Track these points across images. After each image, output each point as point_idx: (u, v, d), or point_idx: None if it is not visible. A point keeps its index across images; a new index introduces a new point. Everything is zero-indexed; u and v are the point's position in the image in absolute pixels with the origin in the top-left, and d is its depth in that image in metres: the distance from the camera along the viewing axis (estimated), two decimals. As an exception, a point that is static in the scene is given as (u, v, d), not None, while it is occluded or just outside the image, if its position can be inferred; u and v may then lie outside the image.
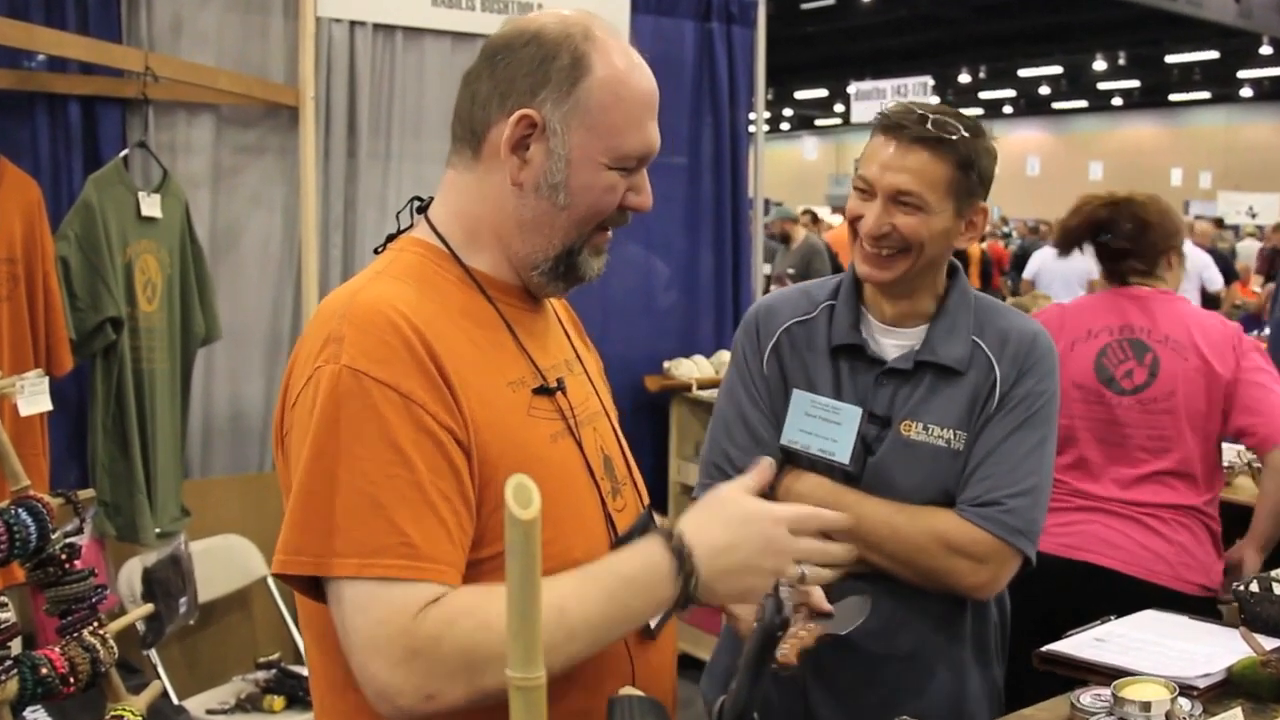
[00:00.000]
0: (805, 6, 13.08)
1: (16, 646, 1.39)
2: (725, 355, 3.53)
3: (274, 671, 2.55)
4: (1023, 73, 20.55)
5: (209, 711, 2.48)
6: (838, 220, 10.12)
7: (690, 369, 3.54)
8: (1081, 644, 1.51)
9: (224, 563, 2.69)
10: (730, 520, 0.97)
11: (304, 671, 2.39)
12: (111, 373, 2.50)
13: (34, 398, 2.03)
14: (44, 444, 2.38)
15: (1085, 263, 2.24)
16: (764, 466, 1.02)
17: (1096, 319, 2.11)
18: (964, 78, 19.56)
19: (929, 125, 1.36)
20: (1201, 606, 1.86)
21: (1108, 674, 1.36)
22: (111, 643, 1.42)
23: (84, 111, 2.65)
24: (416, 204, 1.09)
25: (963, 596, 1.42)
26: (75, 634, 1.39)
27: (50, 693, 1.34)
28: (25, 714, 1.47)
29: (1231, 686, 1.37)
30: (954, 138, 1.36)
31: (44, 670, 1.33)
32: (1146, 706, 1.24)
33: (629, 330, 3.57)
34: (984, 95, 23.15)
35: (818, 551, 1.00)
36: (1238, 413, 2.00)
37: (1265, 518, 2.02)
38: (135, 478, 2.52)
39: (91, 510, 2.44)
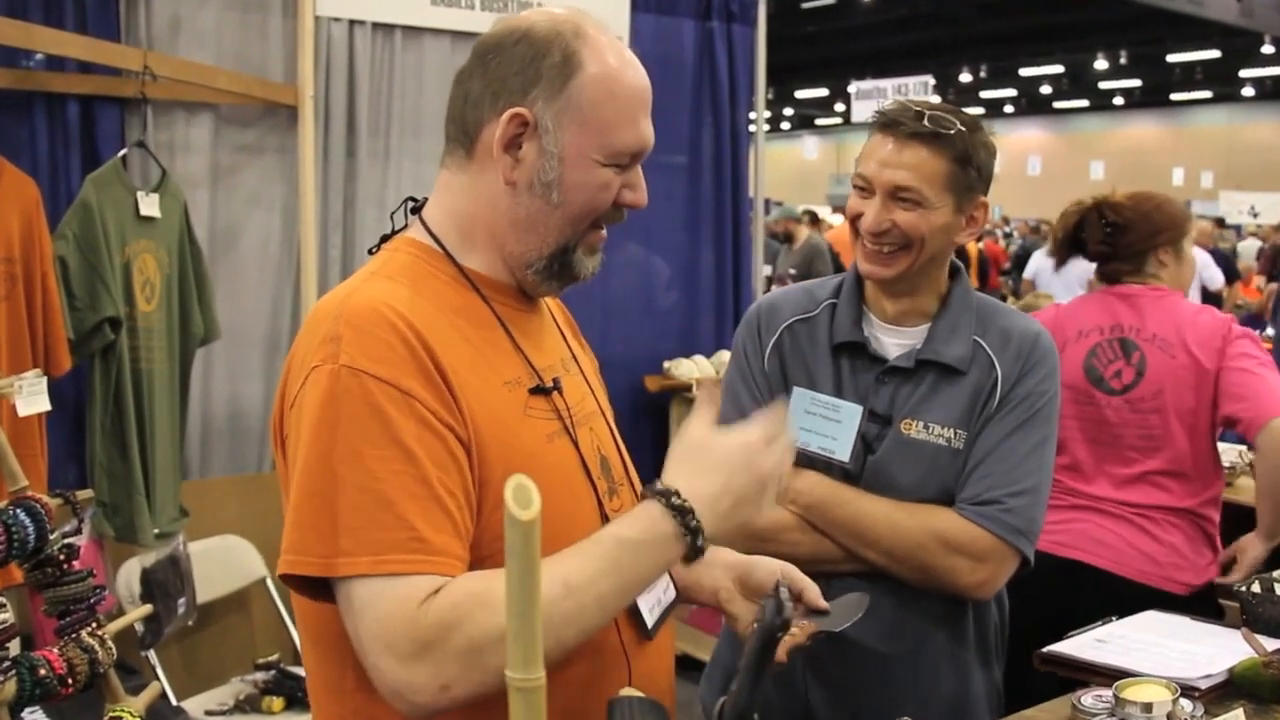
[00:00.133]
0: (806, 5, 13.09)
1: (15, 647, 1.39)
2: (725, 355, 3.52)
3: (273, 672, 2.55)
4: (1024, 72, 20.55)
5: (208, 713, 2.48)
6: (838, 220, 10.10)
7: (690, 369, 3.54)
8: (1083, 645, 1.50)
9: (223, 563, 2.69)
10: (715, 464, 0.95)
11: (303, 673, 2.38)
12: (110, 373, 2.50)
13: (32, 398, 2.03)
14: (42, 444, 2.38)
15: (1085, 263, 2.22)
16: (707, 391, 1.01)
17: (1087, 319, 2.11)
18: (965, 77, 19.56)
19: (926, 121, 1.37)
20: (1190, 605, 1.85)
21: (1109, 675, 1.36)
22: (110, 644, 1.42)
23: (82, 111, 2.66)
24: (411, 204, 1.09)
25: (961, 596, 1.41)
26: (74, 635, 1.39)
27: (48, 694, 1.34)
28: (24, 715, 1.47)
29: (1233, 688, 1.37)
30: (951, 132, 1.37)
31: (42, 671, 1.33)
32: (1148, 707, 1.24)
33: (629, 330, 3.57)
34: (985, 94, 23.16)
35: (787, 456, 0.99)
36: (1224, 400, 1.97)
37: (1263, 501, 1.99)
38: (134, 478, 2.52)
39: (90, 511, 2.43)
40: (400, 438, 0.91)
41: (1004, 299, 6.47)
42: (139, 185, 2.59)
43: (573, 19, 1.02)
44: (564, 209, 1.02)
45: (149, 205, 2.55)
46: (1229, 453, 2.41)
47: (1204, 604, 1.92)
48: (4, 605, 1.36)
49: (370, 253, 1.07)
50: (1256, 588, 1.56)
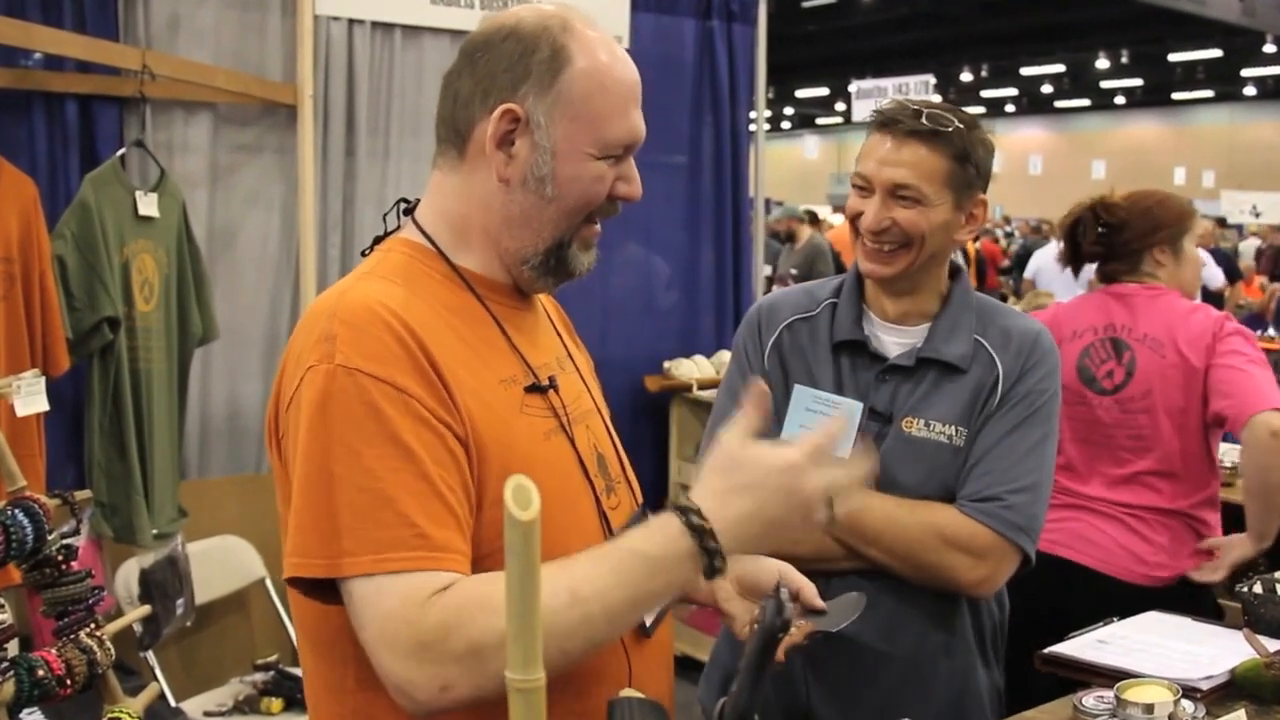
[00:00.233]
0: (806, 4, 13.07)
1: (13, 648, 1.38)
2: (726, 355, 3.52)
3: (272, 673, 2.54)
4: (1025, 71, 20.54)
5: (206, 714, 2.47)
6: (839, 220, 10.10)
7: (690, 369, 3.54)
8: (1084, 645, 1.50)
9: (221, 564, 2.69)
10: (746, 486, 0.90)
11: (301, 673, 2.38)
12: (109, 373, 2.50)
13: (30, 398, 2.03)
14: (40, 444, 2.38)
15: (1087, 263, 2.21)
16: (756, 394, 0.94)
17: (1082, 319, 2.10)
18: (966, 76, 19.55)
19: (924, 119, 1.37)
20: (1175, 594, 1.84)
21: (1110, 676, 1.36)
22: (108, 644, 1.41)
23: (81, 110, 2.65)
24: (403, 206, 1.09)
25: (961, 594, 1.41)
26: (72, 635, 1.39)
27: (47, 695, 1.33)
28: (22, 716, 1.46)
29: (1235, 688, 1.37)
30: (949, 130, 1.37)
31: (40, 672, 1.32)
32: (1150, 708, 1.24)
33: (629, 330, 3.57)
34: (986, 94, 23.15)
35: (840, 479, 0.93)
36: (1212, 398, 1.96)
37: (1249, 500, 1.96)
38: (132, 478, 2.51)
39: (88, 511, 2.43)
40: (398, 435, 0.91)
41: (1004, 299, 6.47)
42: (137, 185, 2.58)
43: (559, 14, 1.02)
44: (558, 203, 1.01)
45: (147, 205, 2.54)
46: (1232, 453, 2.40)
47: (1189, 598, 1.90)
48: (2, 606, 1.35)
49: (363, 254, 1.07)
50: (1258, 588, 1.55)
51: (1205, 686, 1.35)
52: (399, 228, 1.08)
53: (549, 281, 1.06)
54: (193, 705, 2.49)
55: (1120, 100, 24.12)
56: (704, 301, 3.73)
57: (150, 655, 2.45)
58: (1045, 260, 7.33)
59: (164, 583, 2.51)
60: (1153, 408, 1.99)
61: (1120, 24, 14.84)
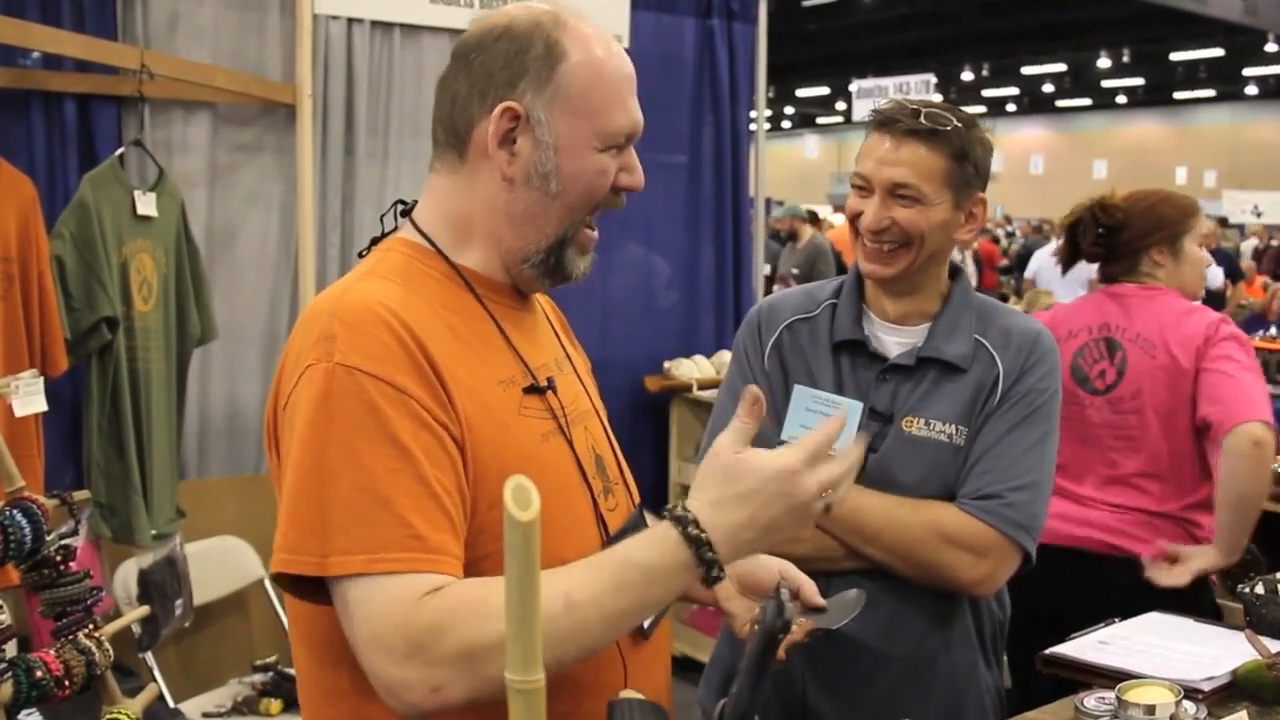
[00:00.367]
0: (807, 3, 13.07)
1: (11, 649, 1.39)
2: (726, 355, 3.51)
3: (270, 674, 2.54)
4: (1026, 70, 20.54)
5: (205, 715, 2.47)
6: (840, 219, 10.09)
7: (690, 369, 3.53)
8: (1085, 646, 1.50)
9: (220, 564, 2.68)
10: (743, 495, 0.89)
11: (301, 673, 2.38)
12: (107, 373, 2.49)
13: (29, 398, 2.02)
14: (39, 445, 2.37)
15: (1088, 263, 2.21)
16: (750, 400, 0.94)
17: (1079, 319, 2.10)
18: (967, 75, 19.55)
19: (922, 118, 1.38)
20: (1170, 593, 1.82)
21: (1112, 676, 1.36)
22: (107, 645, 1.41)
23: (79, 109, 2.65)
24: (400, 207, 1.09)
25: (962, 593, 1.40)
26: (70, 636, 1.39)
27: (45, 696, 1.33)
28: (20, 717, 1.46)
29: (1236, 689, 1.37)
30: (947, 129, 1.38)
31: (39, 673, 1.32)
32: (1151, 709, 1.23)
33: (629, 330, 3.56)
34: (987, 93, 23.14)
35: (836, 475, 0.93)
36: (1199, 402, 1.94)
37: (1222, 510, 1.92)
38: (131, 479, 2.51)
39: (87, 511, 2.42)
40: (396, 435, 0.90)
41: (1005, 299, 6.47)
42: (136, 184, 2.58)
43: (551, 10, 1.02)
44: (563, 198, 1.01)
45: (146, 204, 2.54)
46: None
47: (1187, 599, 1.87)
48: (1, 607, 1.35)
49: (360, 255, 1.07)
50: (1260, 589, 1.55)
51: (1207, 687, 1.35)
52: (396, 228, 1.08)
53: (544, 282, 1.06)
54: (191, 706, 2.48)
55: (1122, 99, 24.12)
56: (704, 301, 3.73)
57: (149, 656, 2.45)
58: (1045, 260, 7.33)
59: (163, 583, 2.50)
60: (1142, 408, 1.99)
61: (1122, 23, 14.84)
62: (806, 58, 16.89)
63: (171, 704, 2.43)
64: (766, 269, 5.62)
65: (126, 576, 2.49)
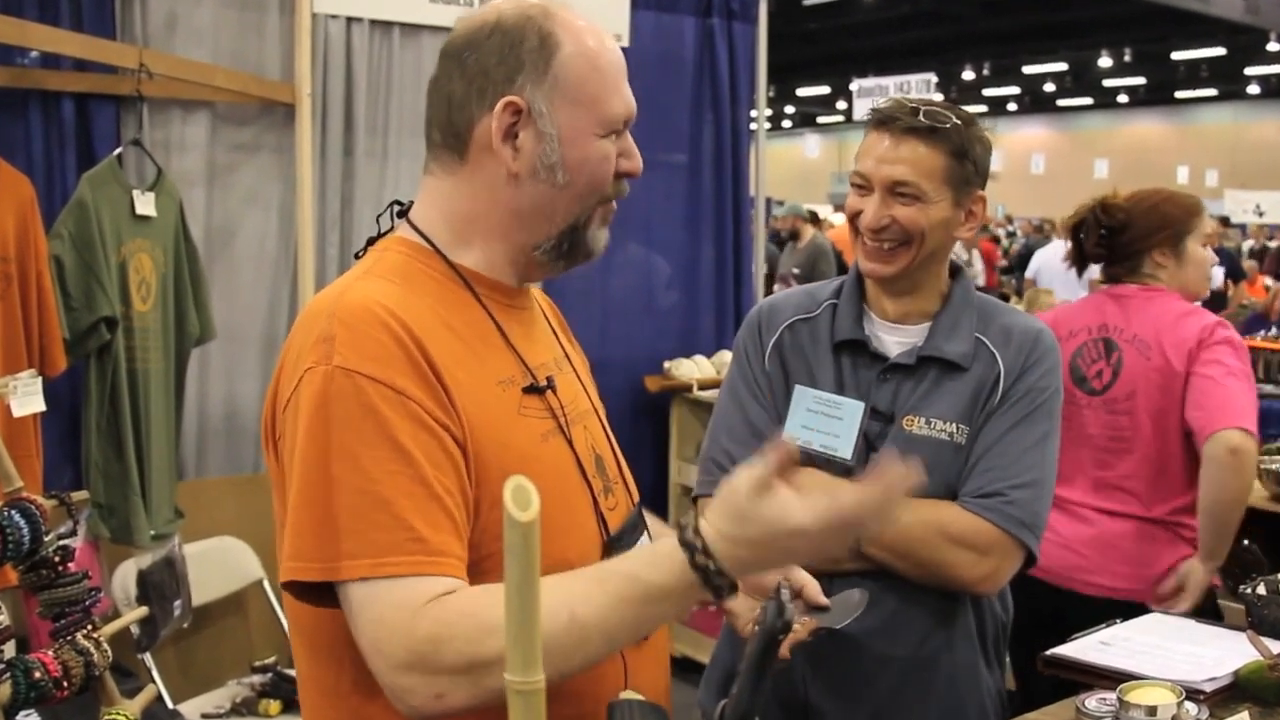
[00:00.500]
0: (807, 2, 13.05)
1: (10, 650, 1.38)
2: (726, 355, 3.51)
3: (270, 675, 2.54)
4: (1027, 70, 20.52)
5: (204, 715, 2.47)
6: (841, 219, 10.09)
7: (691, 369, 3.52)
8: (1086, 647, 1.49)
9: (219, 565, 2.68)
10: (754, 540, 0.88)
11: (300, 674, 2.37)
12: (106, 373, 2.49)
13: (27, 398, 2.02)
14: (37, 445, 2.37)
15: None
16: (779, 449, 0.90)
17: (1079, 319, 2.10)
18: (968, 75, 19.55)
19: (921, 116, 1.38)
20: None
21: (1113, 678, 1.35)
22: (105, 646, 1.41)
23: (78, 109, 2.64)
24: (396, 208, 1.08)
25: (965, 593, 1.40)
26: (69, 637, 1.39)
27: (44, 697, 1.33)
28: (19, 718, 1.46)
29: (1238, 690, 1.36)
30: (946, 126, 1.38)
31: (37, 674, 1.32)
32: (1152, 711, 1.23)
33: (629, 330, 3.56)
34: (988, 92, 23.13)
35: (852, 542, 0.94)
36: (1187, 408, 1.93)
37: (1202, 517, 1.92)
38: (130, 479, 2.51)
39: (85, 512, 2.42)
40: (395, 438, 0.90)
41: (1006, 298, 6.46)
42: (135, 184, 2.57)
43: (537, 2, 1.02)
44: (570, 189, 1.01)
45: (145, 204, 2.53)
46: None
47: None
48: (-1, 608, 1.35)
49: (356, 256, 1.06)
50: (1262, 589, 1.54)
51: (1209, 688, 1.34)
52: (392, 229, 1.07)
53: (560, 265, 1.06)
54: (190, 707, 2.48)
55: (1123, 99, 24.10)
56: (704, 301, 3.72)
57: (147, 657, 2.44)
58: (1046, 259, 7.33)
59: (161, 584, 2.50)
60: (1135, 410, 1.98)
61: (1123, 22, 14.83)
62: (807, 57, 16.88)
63: (170, 705, 2.42)
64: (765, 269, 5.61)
65: (125, 577, 2.48)
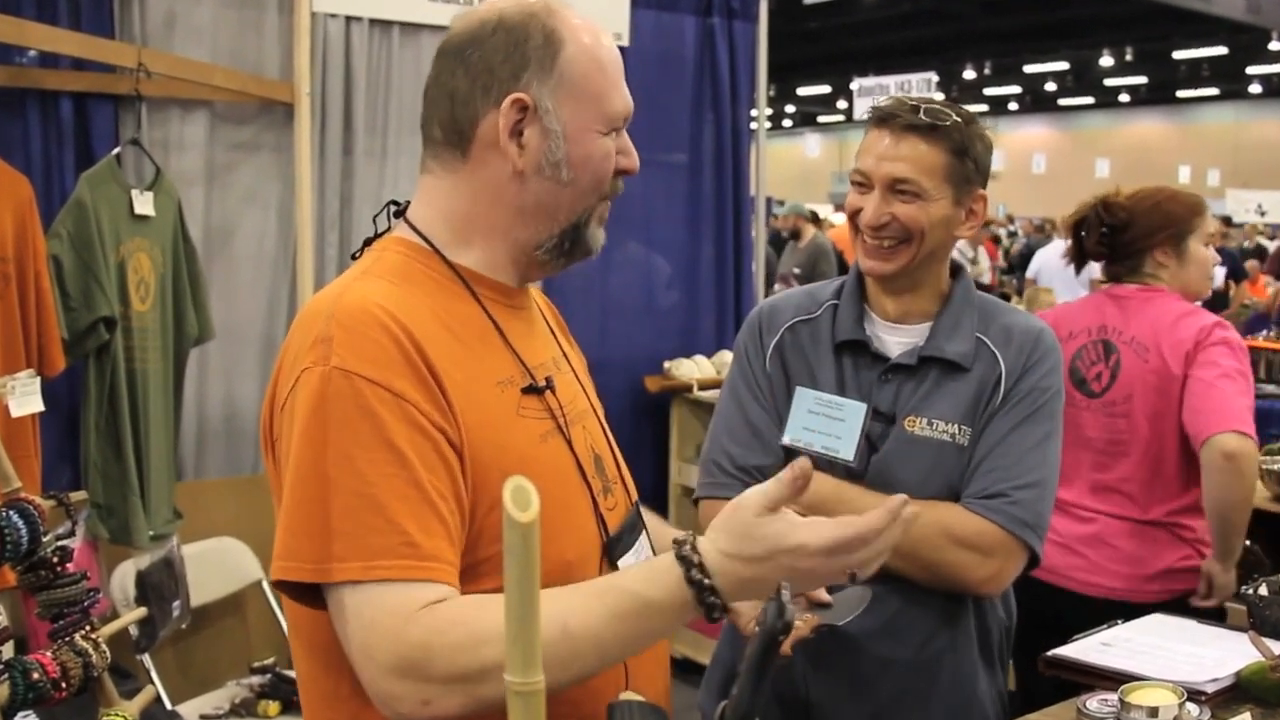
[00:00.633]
0: (808, 1, 13.03)
1: (8, 651, 1.38)
2: (726, 355, 3.50)
3: (269, 676, 2.53)
4: (1028, 69, 20.51)
5: (203, 716, 2.46)
6: (841, 219, 10.08)
7: (691, 369, 3.52)
8: (1088, 648, 1.49)
9: (218, 566, 2.67)
10: (756, 557, 0.89)
11: (299, 674, 2.37)
12: (105, 373, 2.48)
13: (25, 398, 2.02)
14: (36, 445, 2.36)
15: (1091, 262, 2.19)
16: (799, 473, 0.90)
17: (1079, 320, 2.09)
18: (969, 74, 19.54)
19: (921, 114, 1.37)
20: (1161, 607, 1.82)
21: (1114, 679, 1.35)
22: (104, 647, 1.41)
23: (76, 108, 2.64)
24: (393, 208, 1.08)
25: (969, 594, 1.39)
26: (67, 638, 1.38)
27: (42, 698, 1.33)
28: (16, 719, 1.45)
29: (1240, 691, 1.36)
30: (946, 124, 1.37)
31: (36, 675, 1.32)
32: (1154, 712, 1.23)
33: (629, 330, 3.55)
34: (989, 92, 23.12)
35: (854, 562, 0.92)
36: (1183, 412, 1.93)
37: (1210, 519, 1.93)
38: (129, 479, 2.50)
39: (84, 512, 2.41)
40: (392, 440, 0.90)
41: (1007, 298, 6.46)
42: (133, 183, 2.57)
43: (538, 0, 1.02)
44: (574, 186, 1.02)
45: (143, 204, 2.53)
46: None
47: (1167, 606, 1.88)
48: (-3, 609, 1.35)
49: (353, 257, 1.06)
50: (1264, 590, 1.54)
51: (1210, 689, 1.34)
52: (389, 229, 1.07)
53: (561, 263, 1.06)
54: (189, 708, 2.47)
55: (1124, 98, 24.08)
56: (704, 301, 3.71)
57: (146, 658, 2.44)
58: (1047, 259, 7.32)
59: (160, 585, 2.50)
60: (1132, 412, 1.98)
61: (1124, 21, 14.82)
62: (807, 56, 16.87)
63: (169, 706, 2.42)
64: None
65: (124, 578, 2.48)
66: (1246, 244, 11.03)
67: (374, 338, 0.92)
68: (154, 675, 2.41)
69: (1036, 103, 25.43)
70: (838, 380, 1.43)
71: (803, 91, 23.10)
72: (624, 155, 1.05)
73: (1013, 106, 25.78)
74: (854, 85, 6.16)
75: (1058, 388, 1.43)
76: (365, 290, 0.96)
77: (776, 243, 7.95)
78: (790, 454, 1.41)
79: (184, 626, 2.58)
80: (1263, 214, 12.49)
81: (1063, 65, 20.12)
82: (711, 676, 1.52)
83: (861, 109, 5.94)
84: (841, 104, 23.31)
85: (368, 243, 1.06)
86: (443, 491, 0.91)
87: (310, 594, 0.91)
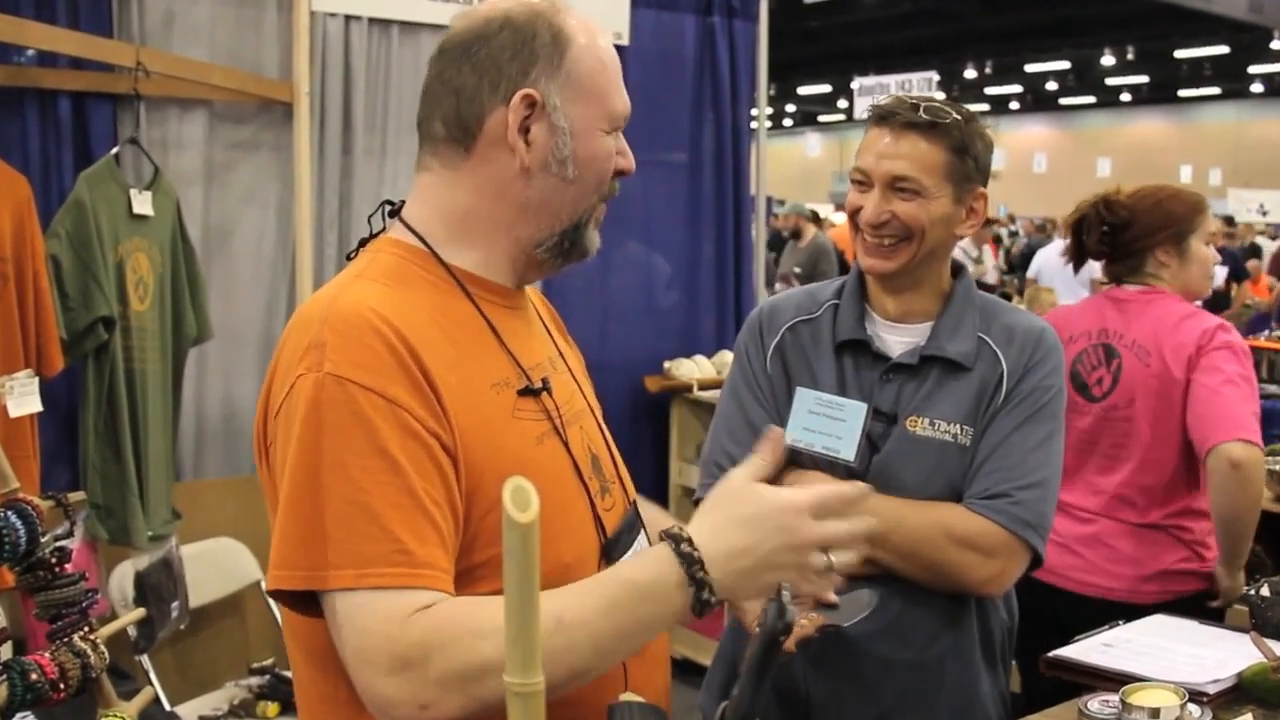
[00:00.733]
0: (808, 0, 13.04)
1: (6, 652, 1.38)
2: (726, 355, 3.49)
3: (267, 677, 2.53)
4: (1030, 68, 20.50)
5: (201, 717, 2.46)
6: (842, 218, 10.08)
7: (691, 369, 3.51)
8: (1089, 649, 1.49)
9: (216, 566, 2.67)
10: (745, 519, 0.89)
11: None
12: (103, 373, 2.48)
13: (24, 398, 2.02)
14: (34, 445, 2.36)
15: (1092, 262, 2.18)
16: (773, 441, 0.94)
17: (1079, 323, 2.08)
18: (970, 73, 19.53)
19: (922, 112, 1.37)
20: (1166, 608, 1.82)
21: (1116, 680, 1.34)
22: (103, 648, 1.41)
23: (75, 107, 2.64)
24: (388, 208, 1.08)
25: (971, 594, 1.39)
26: (66, 639, 1.38)
27: (40, 699, 1.32)
28: (14, 720, 1.45)
29: (1242, 692, 1.36)
30: (946, 122, 1.37)
31: (34, 676, 1.31)
32: (1155, 713, 1.22)
33: (629, 330, 3.55)
34: (990, 91, 23.12)
35: (842, 535, 0.92)
36: (1187, 418, 1.92)
37: (1216, 526, 1.93)
38: (127, 480, 2.50)
39: (83, 513, 2.41)
40: (385, 447, 0.89)
41: (1008, 298, 6.44)
42: (132, 183, 2.56)
43: None
44: (578, 184, 1.02)
45: (142, 203, 2.52)
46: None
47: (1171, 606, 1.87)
48: (-5, 610, 1.34)
49: (348, 258, 1.05)
50: (1266, 591, 1.53)
51: (1212, 690, 1.34)
52: (384, 229, 1.06)
53: (559, 263, 1.06)
54: (188, 709, 2.47)
55: (1126, 97, 24.07)
56: (704, 301, 3.71)
57: (145, 659, 2.44)
58: (1047, 258, 7.31)
59: (159, 585, 2.49)
60: (1134, 416, 1.97)
61: (1126, 20, 14.81)
62: (808, 55, 16.86)
63: (167, 707, 2.41)
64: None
65: (122, 578, 2.47)
66: (1243, 243, 11.02)
67: (368, 343, 0.91)
68: (152, 676, 2.41)
69: (1038, 102, 25.42)
70: (838, 380, 1.43)
71: (803, 91, 23.10)
72: (622, 156, 1.05)
73: (1014, 106, 25.77)
74: (855, 84, 6.15)
75: (1060, 387, 1.42)
76: (359, 294, 0.96)
77: (777, 242, 7.95)
78: (792, 454, 1.41)
79: (182, 627, 2.57)
80: (1265, 213, 12.49)
81: (1064, 64, 20.11)
82: (713, 676, 1.52)
83: (862, 108, 5.93)
84: (842, 103, 23.30)
85: (363, 243, 1.06)
86: (437, 498, 0.91)
87: (306, 602, 0.91)
